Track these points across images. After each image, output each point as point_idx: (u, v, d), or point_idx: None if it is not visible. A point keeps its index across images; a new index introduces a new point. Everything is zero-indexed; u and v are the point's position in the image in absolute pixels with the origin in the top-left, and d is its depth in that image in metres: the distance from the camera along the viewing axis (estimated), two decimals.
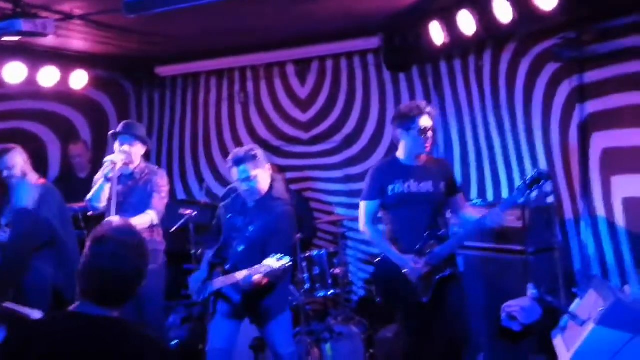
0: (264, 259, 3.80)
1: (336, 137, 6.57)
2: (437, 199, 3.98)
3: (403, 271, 3.88)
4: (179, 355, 5.28)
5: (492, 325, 4.43)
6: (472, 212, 4.12)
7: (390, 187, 3.94)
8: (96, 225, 4.08)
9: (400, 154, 4.02)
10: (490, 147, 5.61)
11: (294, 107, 6.73)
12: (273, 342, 4.07)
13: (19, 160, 4.72)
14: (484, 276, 4.76)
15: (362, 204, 4.05)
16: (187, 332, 5.67)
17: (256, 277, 3.65)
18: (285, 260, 3.67)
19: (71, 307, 2.12)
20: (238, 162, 3.91)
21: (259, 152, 3.98)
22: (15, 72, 5.47)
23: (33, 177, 4.80)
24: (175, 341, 5.46)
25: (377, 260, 4.13)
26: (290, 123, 6.76)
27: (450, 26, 4.91)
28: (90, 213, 4.76)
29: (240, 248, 3.96)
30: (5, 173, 4.68)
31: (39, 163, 5.44)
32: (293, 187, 6.58)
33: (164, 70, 6.83)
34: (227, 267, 3.99)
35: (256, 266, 3.68)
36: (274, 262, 3.65)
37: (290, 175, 6.58)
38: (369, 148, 6.44)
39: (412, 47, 5.57)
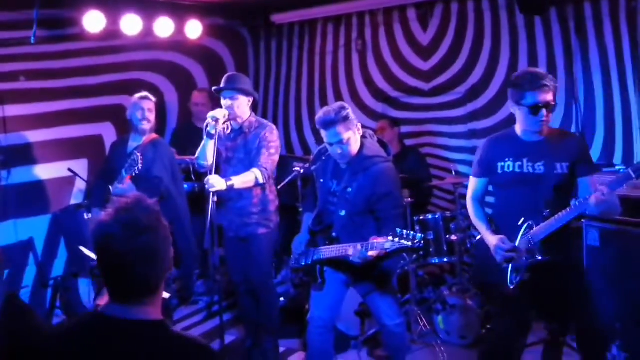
0: (370, 222, 3.62)
1: (460, 88, 6.11)
2: (553, 182, 3.36)
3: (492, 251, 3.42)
4: (286, 313, 5.19)
5: (632, 311, 3.95)
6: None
7: (499, 165, 3.45)
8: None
9: (517, 126, 3.47)
10: None
11: (414, 55, 6.34)
12: (378, 313, 3.88)
13: (151, 106, 4.76)
14: (624, 254, 4.12)
15: (470, 179, 3.68)
16: (296, 290, 5.60)
17: (371, 253, 3.39)
18: (404, 241, 3.31)
19: (100, 308, 1.96)
20: (328, 124, 3.60)
21: (350, 111, 3.64)
22: (131, 24, 5.53)
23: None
24: (282, 299, 5.39)
25: (476, 239, 3.69)
26: (410, 72, 6.39)
27: None
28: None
29: (342, 213, 3.73)
30: (144, 115, 4.70)
31: (158, 113, 5.45)
32: (411, 141, 6.25)
33: (280, 18, 6.71)
34: (333, 234, 3.78)
35: (373, 241, 3.38)
36: (389, 241, 3.32)
37: (409, 129, 6.32)
38: (497, 101, 5.88)
39: None
